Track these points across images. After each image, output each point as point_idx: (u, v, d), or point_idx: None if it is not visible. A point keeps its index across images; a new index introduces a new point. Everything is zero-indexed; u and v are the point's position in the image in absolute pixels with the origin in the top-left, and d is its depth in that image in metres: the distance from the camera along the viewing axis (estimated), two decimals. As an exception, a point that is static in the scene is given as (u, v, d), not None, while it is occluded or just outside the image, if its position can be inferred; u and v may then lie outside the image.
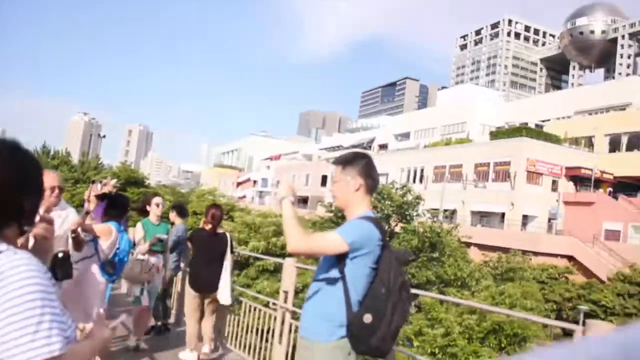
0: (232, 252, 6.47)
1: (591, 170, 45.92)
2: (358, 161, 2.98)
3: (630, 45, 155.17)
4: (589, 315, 29.45)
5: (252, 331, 6.65)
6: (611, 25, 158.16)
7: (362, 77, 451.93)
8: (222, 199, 36.86)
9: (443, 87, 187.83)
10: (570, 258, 38.87)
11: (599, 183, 46.63)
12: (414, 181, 54.57)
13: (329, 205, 26.91)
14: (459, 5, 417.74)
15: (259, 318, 6.55)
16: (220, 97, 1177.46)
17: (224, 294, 6.27)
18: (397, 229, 25.74)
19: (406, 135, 79.53)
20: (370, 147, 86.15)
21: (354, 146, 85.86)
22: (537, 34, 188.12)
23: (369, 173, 2.98)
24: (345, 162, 3.00)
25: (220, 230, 6.52)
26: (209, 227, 6.43)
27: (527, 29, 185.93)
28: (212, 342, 6.64)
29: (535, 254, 37.55)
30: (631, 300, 29.65)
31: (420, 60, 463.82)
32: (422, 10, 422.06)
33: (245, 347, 6.76)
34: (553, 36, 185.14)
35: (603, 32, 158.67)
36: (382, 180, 61.64)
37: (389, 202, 25.84)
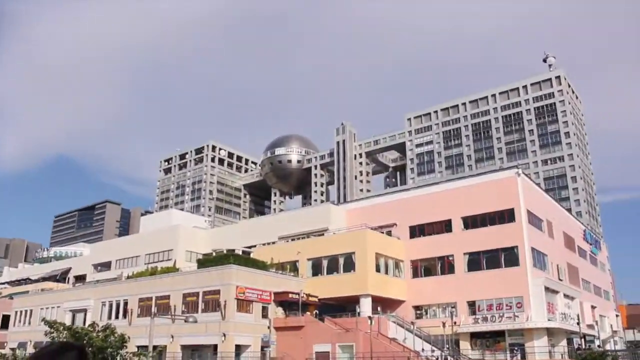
0: None
1: (298, 294, 49.40)
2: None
3: (322, 175, 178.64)
4: None
5: None
6: (305, 156, 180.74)
7: (55, 200, 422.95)
8: None
9: (147, 212, 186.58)
10: (284, 387, 40.06)
11: (306, 306, 50.23)
12: (117, 316, 52.17)
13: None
14: (161, 127, 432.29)
15: None
16: None
17: None
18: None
19: (107, 265, 75.48)
20: (65, 278, 79.30)
21: (44, 278, 78.18)
22: (240, 161, 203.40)
23: None
24: None
25: None
26: None
27: (230, 155, 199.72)
28: None
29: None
30: None
31: (122, 183, 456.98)
32: (119, 131, 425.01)
33: None
34: (255, 163, 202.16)
35: (299, 161, 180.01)
36: (80, 317, 56.53)
37: (90, 348, 23.48)
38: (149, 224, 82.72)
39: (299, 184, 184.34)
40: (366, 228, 53.43)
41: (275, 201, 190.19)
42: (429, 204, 55.87)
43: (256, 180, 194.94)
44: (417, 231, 56.12)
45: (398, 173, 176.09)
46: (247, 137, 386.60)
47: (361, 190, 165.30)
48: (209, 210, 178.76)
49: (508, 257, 49.98)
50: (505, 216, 51.18)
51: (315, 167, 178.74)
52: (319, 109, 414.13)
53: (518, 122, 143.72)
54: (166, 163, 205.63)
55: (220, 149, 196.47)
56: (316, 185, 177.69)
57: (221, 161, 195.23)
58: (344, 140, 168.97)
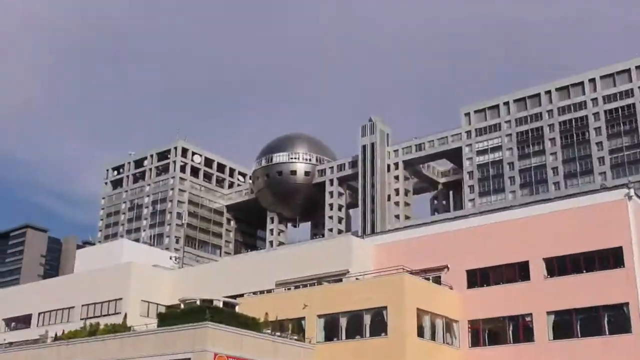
0: None
1: (303, 369, 48.46)
2: None
3: (340, 193, 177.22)
4: None
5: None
6: (316, 166, 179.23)
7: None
8: None
9: (86, 243, 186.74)
10: None
11: (315, 387, 49.19)
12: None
13: None
14: (110, 122, 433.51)
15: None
16: None
17: None
18: None
19: (25, 320, 74.92)
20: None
21: None
22: (222, 171, 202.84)
23: None
24: None
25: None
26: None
27: (208, 163, 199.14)
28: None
29: None
30: None
31: (50, 201, 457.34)
32: (47, 126, 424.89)
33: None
34: (244, 175, 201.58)
35: (307, 173, 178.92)
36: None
37: None
38: (88, 261, 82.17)
39: (306, 205, 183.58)
40: (404, 272, 52.34)
41: (272, 230, 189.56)
42: (496, 238, 54.70)
43: (245, 199, 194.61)
44: (479, 278, 54.98)
45: (451, 192, 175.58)
46: (232, 138, 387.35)
47: (397, 216, 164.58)
48: (177, 241, 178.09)
49: (614, 319, 48.62)
50: (610, 258, 49.94)
51: (331, 181, 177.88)
52: (336, 99, 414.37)
53: (629, 120, 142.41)
54: (115, 172, 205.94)
55: (193, 154, 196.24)
56: (332, 209, 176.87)
57: (195, 171, 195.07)
58: (372, 144, 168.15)
